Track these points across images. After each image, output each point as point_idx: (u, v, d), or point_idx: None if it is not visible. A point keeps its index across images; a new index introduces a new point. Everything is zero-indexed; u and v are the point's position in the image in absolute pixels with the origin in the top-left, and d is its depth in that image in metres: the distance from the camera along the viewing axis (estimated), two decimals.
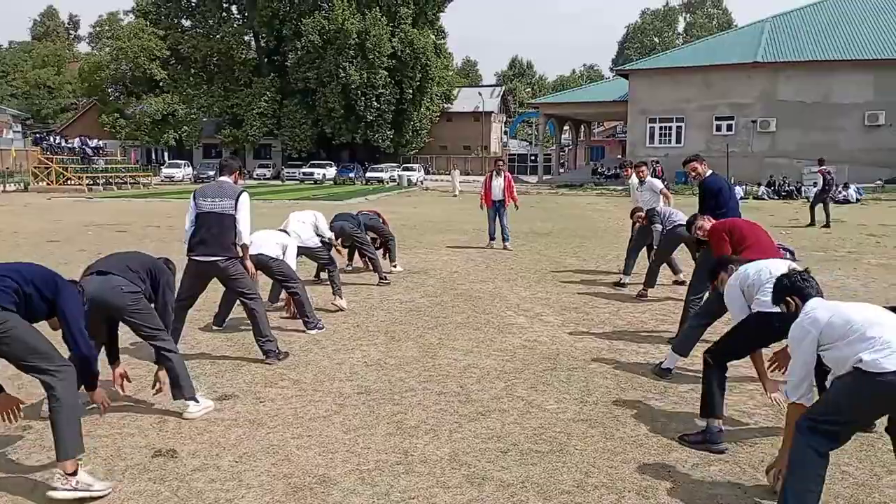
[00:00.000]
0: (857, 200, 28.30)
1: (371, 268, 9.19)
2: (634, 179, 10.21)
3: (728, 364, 4.07)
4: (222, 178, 5.56)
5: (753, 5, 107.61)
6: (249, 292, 5.48)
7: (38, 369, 3.22)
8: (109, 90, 61.51)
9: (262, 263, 6.16)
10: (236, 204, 5.26)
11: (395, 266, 10.08)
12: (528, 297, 8.42)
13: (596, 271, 10.43)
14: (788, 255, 7.31)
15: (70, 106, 74.94)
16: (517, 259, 11.49)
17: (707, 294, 5.64)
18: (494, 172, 12.86)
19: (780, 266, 3.95)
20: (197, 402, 4.35)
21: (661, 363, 5.33)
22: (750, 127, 37.68)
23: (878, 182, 34.10)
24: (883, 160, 34.99)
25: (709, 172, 6.83)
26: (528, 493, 3.36)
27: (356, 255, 9.96)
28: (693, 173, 6.91)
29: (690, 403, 4.61)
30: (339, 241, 8.43)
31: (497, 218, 12.76)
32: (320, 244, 7.59)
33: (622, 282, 9.03)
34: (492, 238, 12.84)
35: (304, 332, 6.47)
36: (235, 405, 4.56)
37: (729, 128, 38.19)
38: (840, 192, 28.99)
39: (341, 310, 7.42)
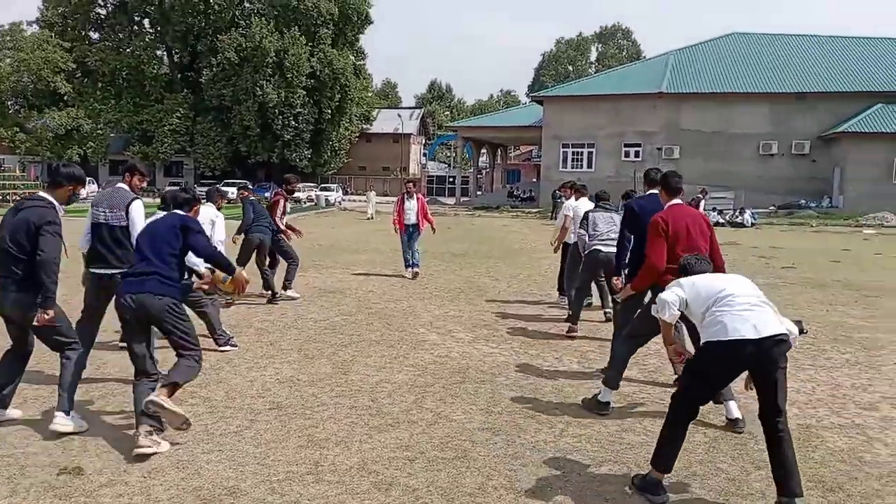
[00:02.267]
0: (752, 224, 30.18)
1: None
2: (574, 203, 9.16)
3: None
4: (119, 185, 5.37)
5: (662, 38, 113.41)
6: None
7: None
8: (9, 103, 58.35)
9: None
10: (127, 214, 5.08)
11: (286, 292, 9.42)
12: (441, 315, 8.65)
13: (507, 290, 10.78)
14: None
15: None
16: (431, 279, 11.73)
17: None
18: (406, 195, 11.99)
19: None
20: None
21: (597, 395, 5.00)
22: (656, 154, 39.59)
23: (772, 207, 36.50)
24: (776, 187, 37.47)
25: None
26: (432, 496, 3.55)
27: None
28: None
29: (587, 412, 4.93)
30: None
31: (409, 242, 11.95)
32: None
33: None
34: (407, 265, 12.04)
35: (215, 350, 6.46)
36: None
37: (637, 154, 40.02)
38: (736, 217, 30.93)
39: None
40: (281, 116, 51.36)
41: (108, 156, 56.72)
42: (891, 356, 6.77)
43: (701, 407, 3.74)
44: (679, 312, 3.78)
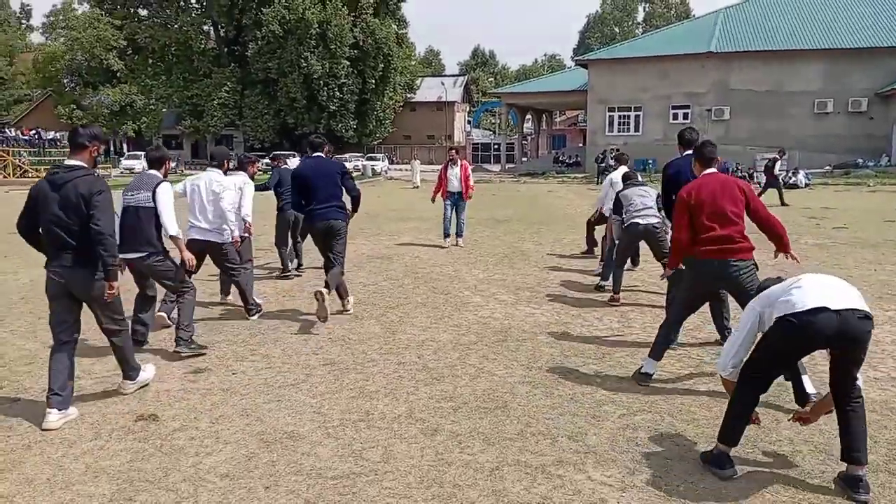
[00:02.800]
0: (806, 185, 29.43)
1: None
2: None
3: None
4: (151, 172, 5.40)
5: None
6: (181, 286, 5.49)
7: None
8: (65, 81, 60.19)
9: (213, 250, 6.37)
10: (154, 196, 5.14)
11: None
12: (485, 278, 8.89)
13: (551, 254, 10.93)
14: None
15: (24, 97, 73.06)
16: (476, 245, 11.94)
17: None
18: (450, 162, 11.69)
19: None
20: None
21: (641, 368, 4.90)
22: (705, 115, 38.72)
23: (827, 168, 35.43)
24: (832, 147, 36.33)
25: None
26: (474, 440, 3.82)
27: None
28: None
29: (625, 367, 5.13)
30: None
31: (454, 211, 11.69)
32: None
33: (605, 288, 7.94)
34: (447, 236, 11.78)
35: (275, 312, 6.85)
36: (209, 377, 4.94)
37: (685, 116, 39.16)
38: (790, 178, 30.16)
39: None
40: (326, 88, 51.79)
41: (161, 130, 58.21)
42: None
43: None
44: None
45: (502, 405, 4.37)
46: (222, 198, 6.25)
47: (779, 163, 21.74)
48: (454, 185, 11.58)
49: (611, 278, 7.70)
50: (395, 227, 14.59)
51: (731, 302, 5.08)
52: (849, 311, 3.26)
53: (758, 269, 4.62)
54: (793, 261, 4.71)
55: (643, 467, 3.50)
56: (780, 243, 4.67)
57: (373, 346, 5.75)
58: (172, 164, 5.49)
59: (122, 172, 45.92)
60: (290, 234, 9.07)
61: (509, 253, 11.05)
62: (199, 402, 4.45)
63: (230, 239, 6.38)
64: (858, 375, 3.46)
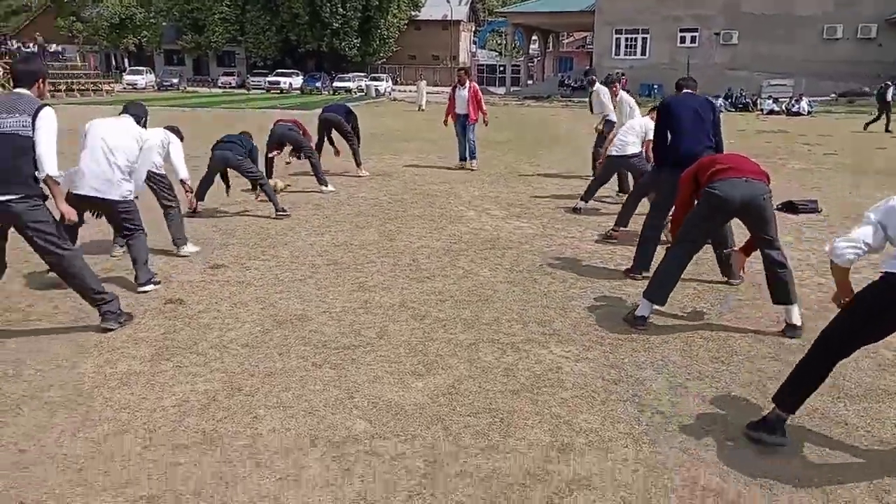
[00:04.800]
0: (809, 113, 29.42)
1: (265, 196, 7.66)
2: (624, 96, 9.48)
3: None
4: (18, 90, 4.02)
5: None
6: (55, 246, 4.02)
7: None
8: None
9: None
10: (34, 122, 3.89)
11: (325, 186, 9.29)
12: (480, 195, 9.41)
13: (546, 175, 11.40)
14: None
15: (22, 8, 71.62)
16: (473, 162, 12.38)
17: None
18: (458, 84, 11.62)
19: None
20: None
21: (634, 310, 4.56)
22: (713, 39, 38.25)
23: (832, 95, 35.27)
24: (840, 73, 36.03)
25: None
26: (457, 324, 4.46)
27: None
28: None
29: (598, 271, 5.74)
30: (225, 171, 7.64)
31: (465, 133, 11.65)
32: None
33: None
34: (462, 159, 11.84)
35: (278, 219, 7.43)
36: (226, 272, 5.56)
37: (693, 39, 38.71)
38: (792, 105, 30.15)
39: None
40: (329, 4, 50.81)
41: (163, 45, 57.45)
42: None
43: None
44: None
45: (484, 299, 4.99)
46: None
47: (891, 90, 21.99)
48: (461, 107, 11.52)
49: (585, 200, 8.26)
50: (398, 147, 14.99)
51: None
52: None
53: None
54: None
55: (597, 346, 4.14)
56: None
57: (372, 250, 6.35)
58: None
59: (124, 88, 45.77)
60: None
61: (505, 173, 11.52)
62: (219, 290, 5.07)
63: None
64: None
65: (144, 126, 5.13)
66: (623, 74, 28.09)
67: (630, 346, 4.13)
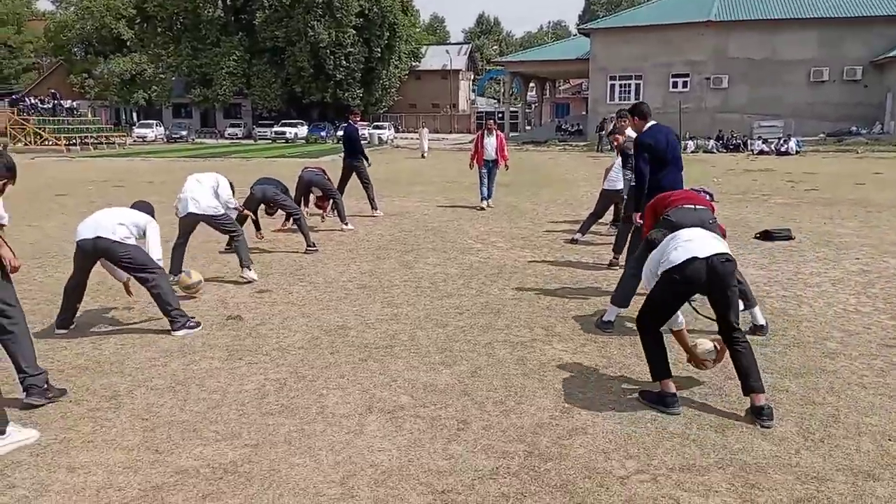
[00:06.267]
0: (797, 152, 30.63)
1: (298, 228, 8.73)
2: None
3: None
4: None
5: None
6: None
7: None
8: (75, 50, 61.30)
9: (104, 250, 5.04)
10: None
11: (346, 225, 10.23)
12: (486, 231, 10.34)
13: (545, 212, 12.35)
14: (707, 196, 8.90)
15: (32, 66, 74.08)
16: (478, 202, 13.36)
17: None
18: (486, 131, 12.59)
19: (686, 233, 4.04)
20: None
21: (602, 316, 5.43)
22: (704, 84, 39.76)
23: (821, 135, 36.57)
24: (827, 114, 37.42)
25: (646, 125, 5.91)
26: (474, 330, 5.32)
27: (329, 205, 10.37)
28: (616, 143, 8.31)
29: (592, 290, 6.61)
30: (263, 206, 8.57)
31: (488, 177, 12.71)
32: (222, 212, 6.76)
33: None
34: (483, 198, 12.76)
35: (307, 253, 8.34)
36: (272, 295, 6.44)
37: (685, 84, 40.20)
38: (781, 145, 31.37)
39: (250, 282, 6.91)
40: (332, 56, 52.78)
41: (171, 99, 59.36)
42: (856, 253, 8.19)
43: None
44: None
45: (496, 311, 5.86)
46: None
47: None
48: (490, 153, 12.50)
49: (582, 233, 9.18)
50: (406, 190, 16.01)
51: None
52: (714, 256, 3.79)
53: None
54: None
55: (591, 343, 5.00)
56: None
57: (395, 276, 7.23)
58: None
59: (134, 141, 47.31)
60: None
61: (507, 211, 12.48)
62: (269, 310, 5.95)
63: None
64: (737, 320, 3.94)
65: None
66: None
67: (618, 343, 4.99)
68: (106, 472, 3.19)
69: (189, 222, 6.81)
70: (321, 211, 10.70)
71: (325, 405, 3.93)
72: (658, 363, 3.96)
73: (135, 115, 61.25)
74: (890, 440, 3.47)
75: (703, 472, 3.17)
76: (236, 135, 53.98)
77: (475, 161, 12.73)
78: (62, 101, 40.60)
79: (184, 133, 52.03)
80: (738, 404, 3.87)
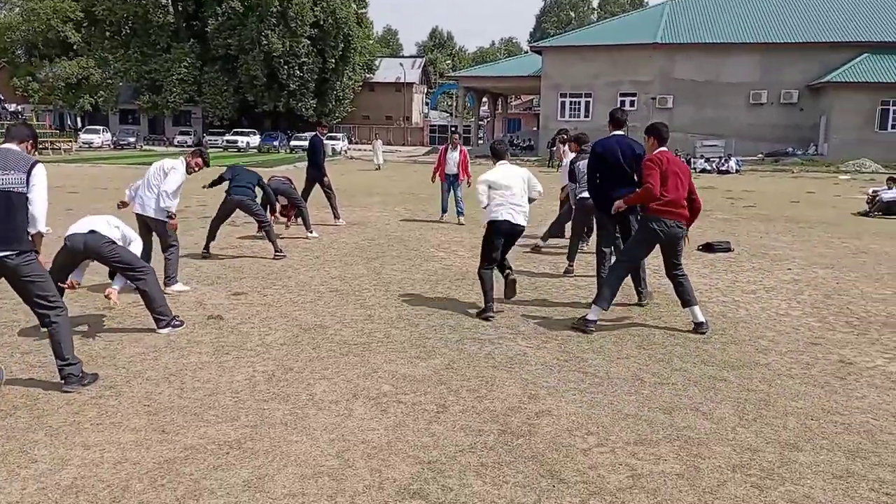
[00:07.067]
0: (737, 171, 32.08)
1: (266, 236, 9.00)
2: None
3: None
4: (7, 146, 4.28)
5: None
6: (51, 301, 4.24)
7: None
8: (19, 52, 59.56)
9: (93, 247, 5.17)
10: (28, 178, 4.12)
11: (311, 233, 10.51)
12: (446, 240, 10.79)
13: None
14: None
15: None
16: (436, 214, 13.79)
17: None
18: (450, 146, 12.74)
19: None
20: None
21: (585, 315, 5.83)
22: (650, 103, 41.22)
23: (760, 155, 38.33)
24: (765, 135, 39.25)
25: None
26: (445, 329, 5.73)
27: (293, 213, 10.75)
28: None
29: (548, 292, 7.10)
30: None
31: (451, 191, 12.78)
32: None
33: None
34: (444, 211, 12.94)
35: (276, 259, 8.63)
36: (248, 297, 6.73)
37: (632, 103, 41.57)
38: (722, 164, 32.79)
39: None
40: (286, 66, 52.67)
41: (119, 105, 58.22)
42: (787, 264, 8.92)
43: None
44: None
45: (462, 312, 6.28)
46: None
47: None
48: (451, 168, 12.63)
49: (546, 239, 9.65)
50: (364, 200, 16.35)
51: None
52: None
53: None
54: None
55: (552, 340, 5.47)
56: (693, 218, 5.87)
57: (364, 281, 7.59)
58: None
59: (80, 147, 46.23)
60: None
61: (467, 221, 12.92)
62: (247, 310, 6.24)
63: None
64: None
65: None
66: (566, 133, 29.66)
67: (577, 339, 5.48)
68: (119, 449, 3.48)
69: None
70: (285, 219, 10.99)
71: (313, 393, 4.27)
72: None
73: (79, 120, 59.83)
74: (812, 419, 4.02)
75: (653, 444, 3.65)
76: (186, 142, 53.10)
77: (437, 175, 12.95)
78: (6, 105, 39.47)
79: (132, 140, 51.07)
80: (683, 391, 4.38)
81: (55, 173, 24.17)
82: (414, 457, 3.45)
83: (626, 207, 6.00)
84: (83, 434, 3.64)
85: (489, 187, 6.21)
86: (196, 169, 7.06)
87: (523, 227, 6.27)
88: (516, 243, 6.71)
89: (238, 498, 3.04)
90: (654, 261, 6.78)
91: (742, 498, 3.12)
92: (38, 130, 28.91)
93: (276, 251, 8.82)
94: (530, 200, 6.38)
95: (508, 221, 6.11)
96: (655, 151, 5.82)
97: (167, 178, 6.70)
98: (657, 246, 5.79)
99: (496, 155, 6.60)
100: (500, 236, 6.20)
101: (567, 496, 3.11)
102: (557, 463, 3.43)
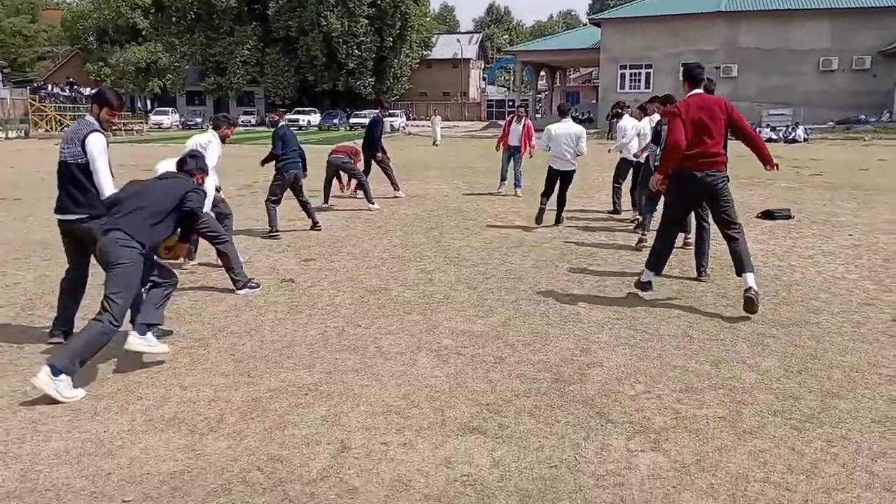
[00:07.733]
0: (805, 140, 31.06)
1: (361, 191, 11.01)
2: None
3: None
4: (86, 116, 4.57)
5: None
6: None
7: None
8: (91, 39, 62.11)
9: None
10: (83, 149, 4.35)
11: (372, 204, 10.97)
12: (504, 210, 11.03)
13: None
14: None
15: (47, 54, 75.01)
16: (494, 187, 14.02)
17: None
18: (515, 118, 12.92)
19: None
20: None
21: (640, 277, 5.88)
22: (714, 73, 40.09)
23: (830, 123, 36.97)
24: (836, 103, 37.80)
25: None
26: (501, 291, 6.02)
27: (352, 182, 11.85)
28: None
29: (605, 261, 7.30)
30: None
31: (511, 162, 12.92)
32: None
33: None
34: (503, 180, 13.14)
35: (345, 227, 9.05)
36: (317, 263, 7.17)
37: None
38: (789, 133, 31.80)
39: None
40: (345, 46, 53.40)
41: (186, 87, 60.19)
42: (849, 231, 8.84)
43: None
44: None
45: (518, 277, 6.56)
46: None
47: None
48: (514, 139, 12.78)
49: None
50: (423, 175, 16.69)
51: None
52: None
53: (729, 181, 5.59)
54: (774, 169, 5.67)
55: (606, 301, 5.70)
56: (761, 155, 5.51)
57: (424, 249, 7.94)
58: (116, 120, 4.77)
59: (151, 128, 48.12)
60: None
61: (525, 192, 13.11)
62: (316, 274, 6.67)
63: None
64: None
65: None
66: (628, 106, 29.43)
67: (630, 300, 5.69)
68: (212, 389, 3.92)
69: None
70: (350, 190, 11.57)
71: (380, 346, 4.64)
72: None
73: (149, 102, 62.10)
74: (857, 372, 4.16)
75: (698, 392, 3.87)
76: (250, 122, 54.62)
77: (501, 144, 13.08)
78: (82, 89, 41.38)
79: (198, 120, 52.78)
80: (732, 346, 4.56)
81: (130, 153, 25.40)
82: (473, 400, 3.78)
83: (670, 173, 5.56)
84: (179, 377, 4.10)
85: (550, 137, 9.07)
86: (229, 137, 7.01)
87: (569, 171, 9.28)
88: None
89: (318, 430, 3.42)
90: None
91: (780, 437, 3.33)
92: None
93: (314, 223, 9.10)
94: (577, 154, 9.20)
95: (555, 168, 9.21)
96: (688, 95, 5.49)
97: (207, 153, 6.44)
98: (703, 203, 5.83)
99: (561, 113, 9.58)
100: (552, 175, 9.29)
101: (614, 434, 3.38)
102: (606, 406, 3.69)
